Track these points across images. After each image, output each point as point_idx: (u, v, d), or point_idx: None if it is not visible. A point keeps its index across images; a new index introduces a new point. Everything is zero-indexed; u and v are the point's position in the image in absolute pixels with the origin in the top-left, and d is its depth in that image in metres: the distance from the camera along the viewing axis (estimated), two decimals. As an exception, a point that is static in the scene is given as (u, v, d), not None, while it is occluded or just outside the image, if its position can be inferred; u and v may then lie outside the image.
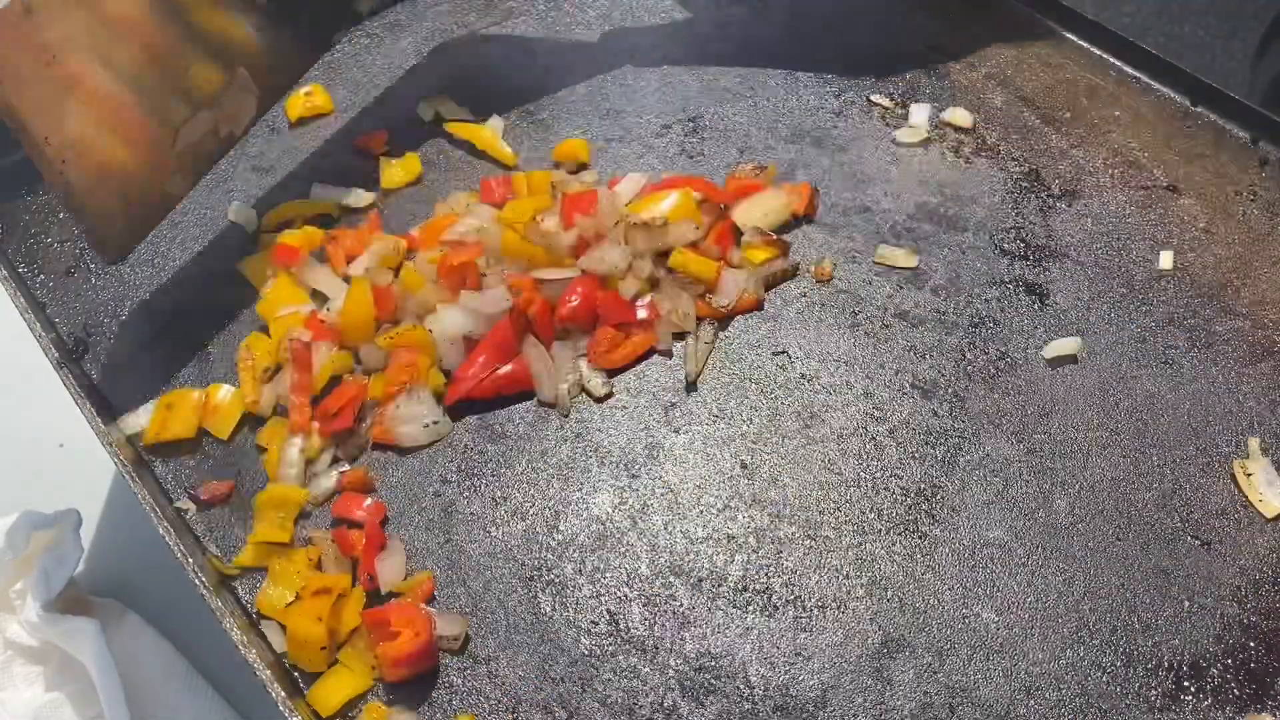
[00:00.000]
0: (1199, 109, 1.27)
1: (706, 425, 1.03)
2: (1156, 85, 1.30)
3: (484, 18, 1.46)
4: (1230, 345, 1.06)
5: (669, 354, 1.09)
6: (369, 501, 0.98)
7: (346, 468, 1.01)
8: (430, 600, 0.93)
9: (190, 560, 0.88)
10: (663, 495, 0.99)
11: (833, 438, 1.02)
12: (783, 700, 0.86)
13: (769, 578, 0.93)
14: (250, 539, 0.96)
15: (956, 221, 1.19)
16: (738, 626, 0.90)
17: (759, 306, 1.12)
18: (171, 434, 1.03)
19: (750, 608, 0.91)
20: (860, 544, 0.95)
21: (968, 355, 1.07)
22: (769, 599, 0.92)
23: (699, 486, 0.99)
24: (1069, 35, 1.37)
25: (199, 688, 1.04)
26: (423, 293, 1.08)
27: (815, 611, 0.91)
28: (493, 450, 1.03)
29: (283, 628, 0.91)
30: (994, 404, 1.03)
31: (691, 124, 1.31)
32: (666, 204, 1.14)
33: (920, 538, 0.95)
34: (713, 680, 0.88)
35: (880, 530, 0.95)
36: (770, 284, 1.13)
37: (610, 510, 0.98)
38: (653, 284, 1.11)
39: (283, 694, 0.81)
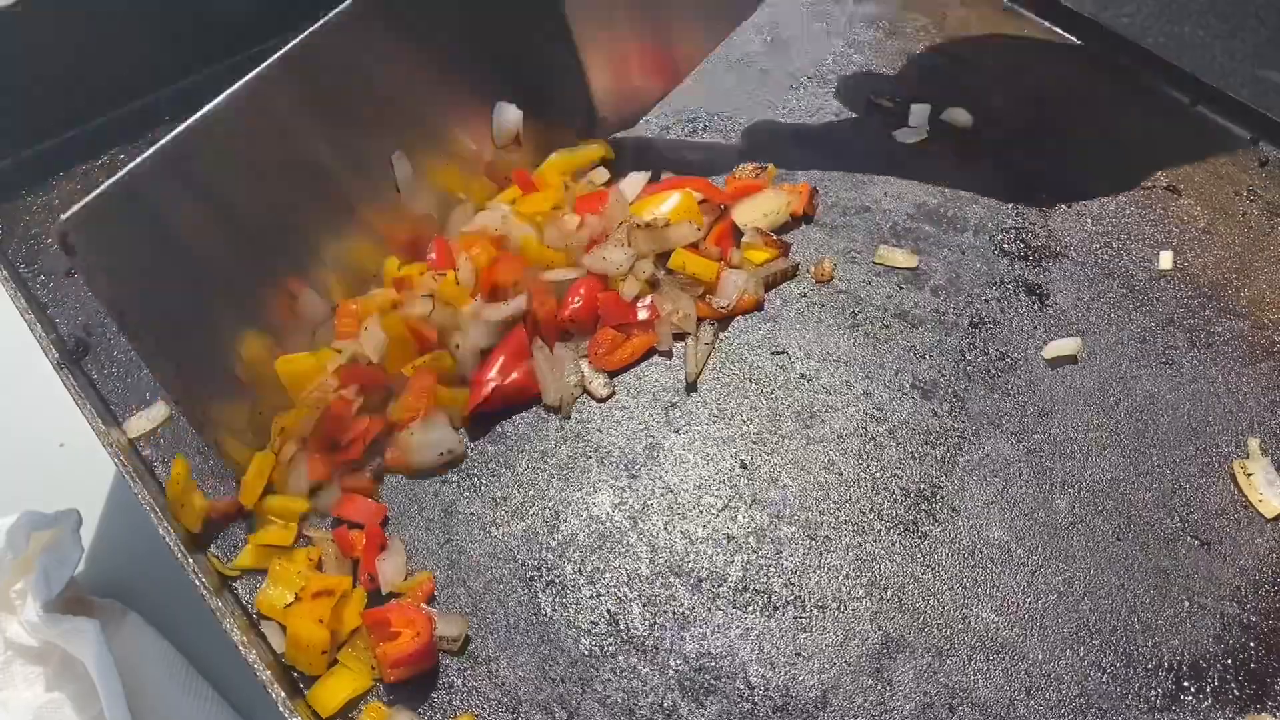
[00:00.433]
0: (1199, 109, 1.27)
1: (706, 425, 1.03)
2: (1156, 85, 1.30)
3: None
4: (1230, 345, 1.06)
5: (669, 354, 1.09)
6: (370, 502, 0.98)
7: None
8: (430, 600, 0.93)
9: (190, 560, 0.88)
10: (663, 495, 0.99)
11: (832, 438, 1.02)
12: (783, 700, 0.86)
13: (769, 578, 0.93)
14: (251, 540, 0.96)
15: (956, 221, 1.19)
16: (738, 627, 0.90)
17: (759, 307, 1.12)
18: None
19: (750, 608, 0.91)
20: (860, 544, 0.95)
21: (968, 355, 1.07)
22: (769, 599, 0.92)
23: (699, 486, 0.99)
24: (1069, 35, 1.37)
25: (199, 688, 1.03)
26: (457, 303, 1.05)
27: (815, 611, 0.91)
28: (493, 450, 1.03)
29: (283, 628, 0.91)
30: (994, 404, 1.03)
31: (691, 124, 1.31)
32: (667, 205, 1.14)
33: (920, 538, 0.95)
34: (713, 680, 0.88)
35: (880, 530, 0.95)
36: (770, 284, 1.13)
37: (610, 510, 0.98)
38: (652, 285, 1.11)
39: (283, 694, 0.81)
